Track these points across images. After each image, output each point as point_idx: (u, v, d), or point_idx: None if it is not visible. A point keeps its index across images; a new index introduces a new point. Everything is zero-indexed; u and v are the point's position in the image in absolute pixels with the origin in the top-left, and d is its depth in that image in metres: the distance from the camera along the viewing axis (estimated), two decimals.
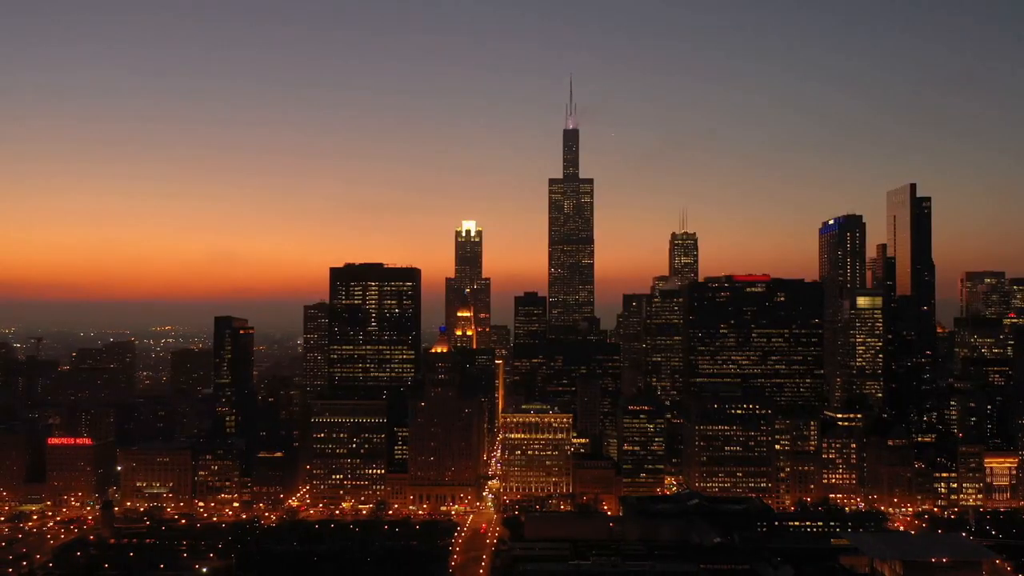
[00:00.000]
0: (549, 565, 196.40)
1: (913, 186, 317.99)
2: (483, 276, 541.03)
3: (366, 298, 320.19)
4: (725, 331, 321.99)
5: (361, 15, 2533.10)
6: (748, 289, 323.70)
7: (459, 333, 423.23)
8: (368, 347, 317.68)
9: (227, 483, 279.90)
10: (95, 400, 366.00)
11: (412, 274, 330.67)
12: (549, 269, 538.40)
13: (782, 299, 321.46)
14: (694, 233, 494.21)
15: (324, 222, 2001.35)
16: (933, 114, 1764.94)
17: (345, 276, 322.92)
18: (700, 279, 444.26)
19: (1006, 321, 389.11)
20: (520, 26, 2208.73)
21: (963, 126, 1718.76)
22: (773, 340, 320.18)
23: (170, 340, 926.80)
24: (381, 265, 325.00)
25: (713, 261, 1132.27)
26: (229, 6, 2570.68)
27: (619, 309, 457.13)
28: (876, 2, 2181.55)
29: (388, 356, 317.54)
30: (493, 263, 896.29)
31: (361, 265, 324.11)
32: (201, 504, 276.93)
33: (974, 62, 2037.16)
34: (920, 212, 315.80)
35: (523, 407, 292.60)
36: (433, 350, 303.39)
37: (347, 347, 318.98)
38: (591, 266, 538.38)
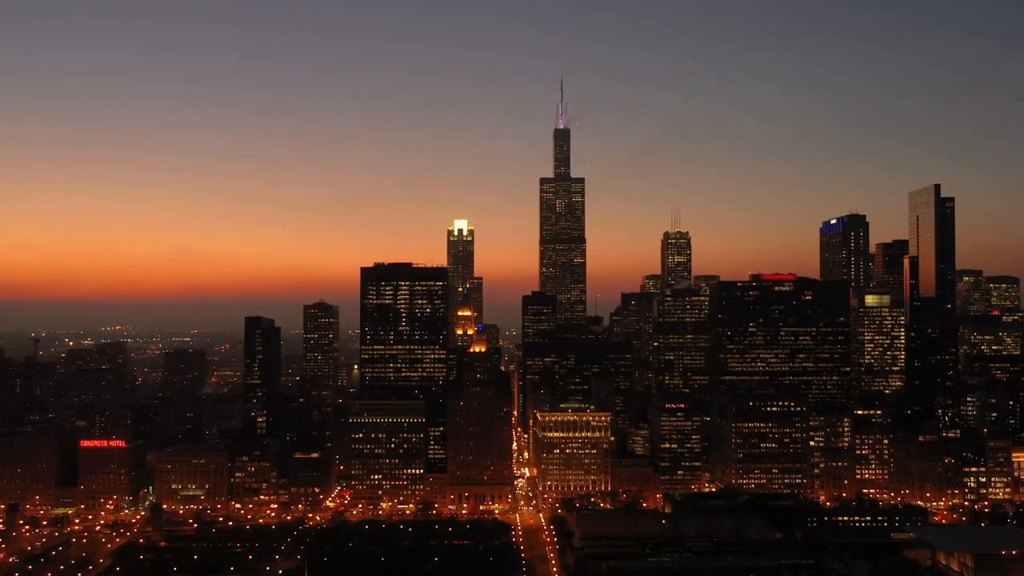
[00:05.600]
0: (628, 563, 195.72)
1: (937, 187, 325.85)
2: (475, 275, 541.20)
3: (396, 298, 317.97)
4: (753, 329, 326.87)
5: (354, 19, 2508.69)
6: (776, 288, 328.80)
7: (459, 332, 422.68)
8: (399, 347, 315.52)
9: (264, 484, 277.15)
10: (104, 402, 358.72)
11: (441, 273, 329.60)
12: (541, 268, 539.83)
13: (809, 298, 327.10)
14: (687, 232, 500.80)
15: (319, 222, 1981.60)
16: (933, 117, 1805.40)
17: (375, 276, 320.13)
18: (693, 278, 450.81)
19: (1006, 319, 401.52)
20: (512, 28, 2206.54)
21: (962, 127, 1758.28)
22: (800, 338, 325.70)
23: (128, 340, 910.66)
24: (410, 265, 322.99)
25: (705, 260, 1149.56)
26: (218, 9, 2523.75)
27: (611, 307, 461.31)
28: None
29: (419, 356, 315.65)
30: (485, 262, 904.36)
31: (390, 265, 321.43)
32: (238, 505, 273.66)
33: (965, 66, 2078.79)
34: (944, 212, 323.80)
35: (561, 406, 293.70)
36: (472, 349, 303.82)
37: (378, 347, 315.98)
38: (583, 265, 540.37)
